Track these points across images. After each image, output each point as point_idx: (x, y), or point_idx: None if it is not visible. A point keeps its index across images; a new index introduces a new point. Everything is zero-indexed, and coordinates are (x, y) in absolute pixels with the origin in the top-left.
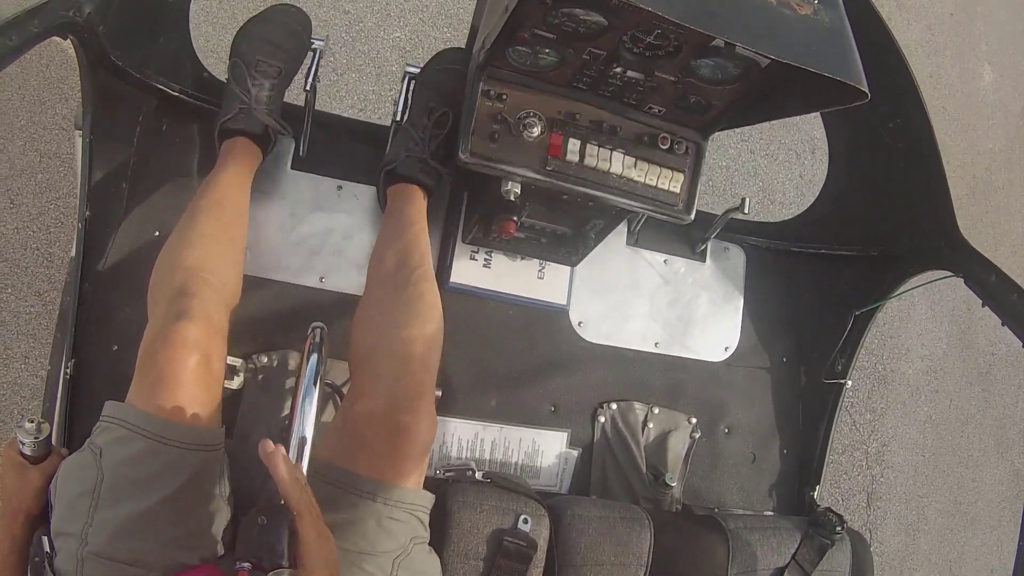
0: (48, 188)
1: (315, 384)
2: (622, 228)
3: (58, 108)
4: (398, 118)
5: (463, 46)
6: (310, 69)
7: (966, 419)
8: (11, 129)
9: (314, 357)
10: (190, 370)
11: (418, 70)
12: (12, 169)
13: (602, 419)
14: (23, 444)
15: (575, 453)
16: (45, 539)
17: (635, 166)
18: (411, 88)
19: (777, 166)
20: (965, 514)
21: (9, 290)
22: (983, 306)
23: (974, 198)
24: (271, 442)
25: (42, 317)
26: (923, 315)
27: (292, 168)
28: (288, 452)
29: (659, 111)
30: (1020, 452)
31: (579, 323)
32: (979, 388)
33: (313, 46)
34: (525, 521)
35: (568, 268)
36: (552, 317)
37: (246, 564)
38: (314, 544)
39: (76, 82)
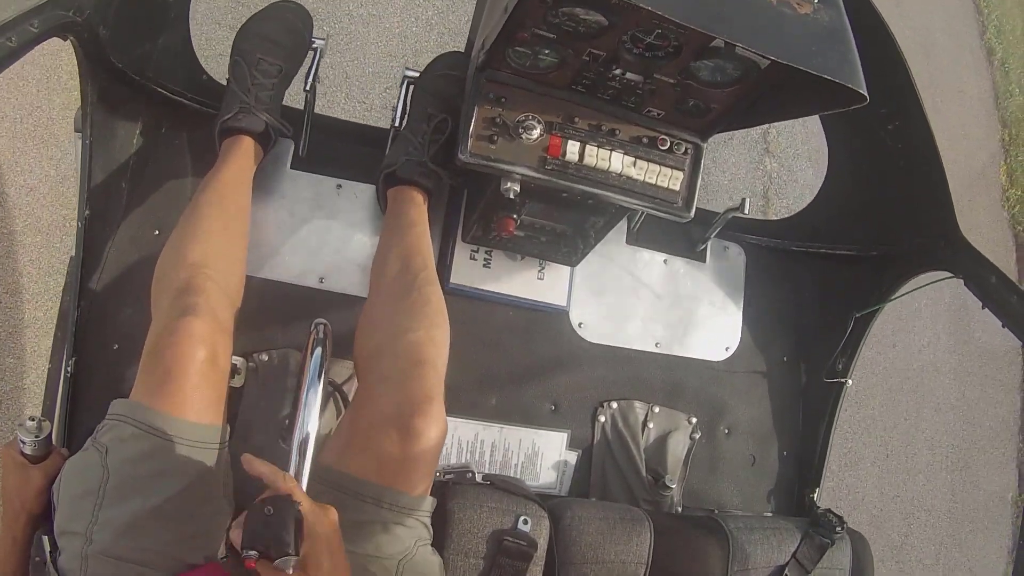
0: None
1: (319, 379)
2: (622, 227)
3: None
4: (397, 123)
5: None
6: (310, 69)
7: None
8: None
9: (318, 351)
10: (197, 366)
11: (417, 74)
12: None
13: (602, 418)
14: (23, 443)
15: (575, 455)
16: (45, 539)
17: (634, 165)
18: (410, 93)
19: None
20: None
21: None
22: (983, 307)
23: None
24: (249, 455)
25: None
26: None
27: (292, 168)
28: (292, 447)
29: (658, 114)
30: None
31: (579, 323)
32: (893, 563)
33: (314, 45)
34: (525, 522)
35: (568, 268)
36: (552, 318)
37: (253, 553)
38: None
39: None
